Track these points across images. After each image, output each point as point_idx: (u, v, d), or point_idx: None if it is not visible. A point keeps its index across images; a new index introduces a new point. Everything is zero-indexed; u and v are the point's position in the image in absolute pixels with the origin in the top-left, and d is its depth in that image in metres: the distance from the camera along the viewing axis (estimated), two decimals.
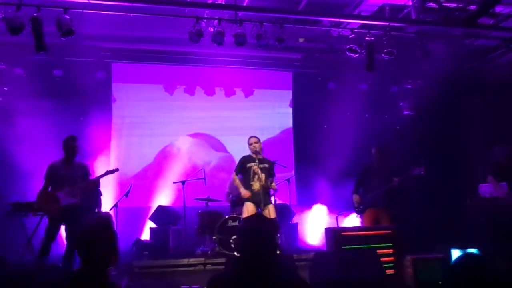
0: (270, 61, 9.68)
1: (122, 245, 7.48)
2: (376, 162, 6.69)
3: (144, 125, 9.47)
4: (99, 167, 8.45)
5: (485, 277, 2.14)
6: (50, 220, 6.05)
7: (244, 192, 6.50)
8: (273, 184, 6.71)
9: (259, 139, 6.69)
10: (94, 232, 2.51)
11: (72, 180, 6.14)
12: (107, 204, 7.49)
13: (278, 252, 6.16)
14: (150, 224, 8.34)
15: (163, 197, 8.95)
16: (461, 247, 5.36)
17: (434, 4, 7.36)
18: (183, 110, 9.67)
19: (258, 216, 2.67)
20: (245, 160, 6.65)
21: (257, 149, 6.55)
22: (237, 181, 6.65)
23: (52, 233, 5.99)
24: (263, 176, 6.47)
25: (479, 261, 2.22)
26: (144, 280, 6.47)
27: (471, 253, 3.77)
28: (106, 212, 7.03)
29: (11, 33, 6.12)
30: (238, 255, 6.50)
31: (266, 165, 6.60)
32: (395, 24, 7.52)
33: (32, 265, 5.58)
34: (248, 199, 6.48)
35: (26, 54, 7.80)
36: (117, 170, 6.73)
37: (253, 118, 9.97)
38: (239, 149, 7.84)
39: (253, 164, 6.51)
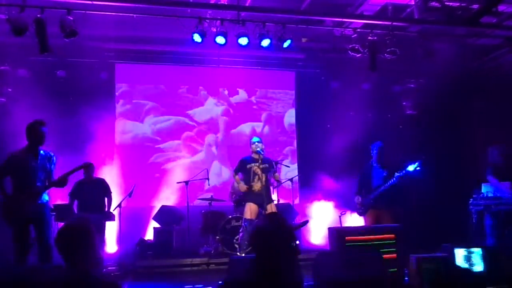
0: (273, 61, 9.70)
1: (126, 245, 7.58)
2: (376, 161, 6.68)
3: (147, 125, 9.50)
4: (104, 167, 8.50)
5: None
6: (15, 226, 5.03)
7: (241, 186, 6.56)
8: (276, 174, 6.72)
9: (261, 139, 6.72)
10: (72, 234, 2.53)
11: (37, 175, 5.14)
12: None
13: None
14: (153, 224, 8.36)
15: (167, 197, 8.96)
16: (465, 246, 5.35)
17: (437, 3, 7.34)
18: (186, 110, 9.70)
19: (277, 215, 2.57)
20: (245, 161, 6.67)
21: (259, 149, 6.57)
22: (237, 178, 6.71)
23: (25, 238, 5.05)
24: (263, 176, 6.48)
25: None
26: (147, 280, 6.49)
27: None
28: (85, 215, 6.95)
29: (15, 34, 6.15)
30: (242, 255, 6.47)
31: (267, 165, 6.62)
32: (398, 24, 7.51)
33: (31, 265, 5.27)
34: (247, 198, 6.53)
35: (30, 55, 7.83)
36: (86, 165, 5.81)
37: (255, 117, 10.02)
38: (242, 150, 7.87)
39: (253, 164, 6.53)
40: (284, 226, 2.37)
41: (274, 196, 6.90)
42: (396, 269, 5.13)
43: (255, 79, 10.07)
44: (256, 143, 6.62)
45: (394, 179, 6.31)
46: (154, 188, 9.08)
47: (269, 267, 2.26)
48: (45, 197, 5.23)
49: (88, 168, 6.86)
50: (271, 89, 10.25)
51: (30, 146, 5.19)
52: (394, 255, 5.21)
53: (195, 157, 9.57)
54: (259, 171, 6.47)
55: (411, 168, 6.24)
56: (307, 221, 8.18)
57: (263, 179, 6.47)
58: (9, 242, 5.93)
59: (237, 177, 6.73)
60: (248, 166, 6.57)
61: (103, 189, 7.44)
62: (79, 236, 2.51)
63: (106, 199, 7.42)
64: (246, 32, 6.89)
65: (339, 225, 7.75)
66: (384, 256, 4.81)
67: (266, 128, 10.04)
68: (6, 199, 5.07)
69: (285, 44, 7.30)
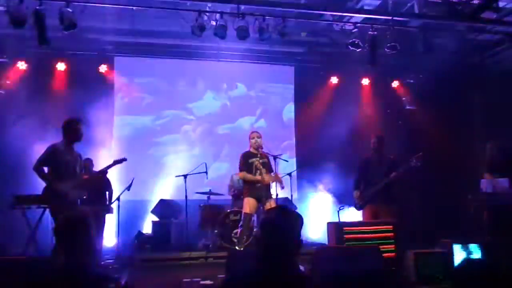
0: (272, 55, 9.67)
1: (124, 238, 7.59)
2: (375, 154, 6.66)
3: (146, 118, 9.48)
4: (101, 160, 8.46)
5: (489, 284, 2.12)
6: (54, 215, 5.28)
7: (264, 177, 6.41)
8: (279, 177, 6.61)
9: (260, 134, 6.69)
10: (71, 225, 2.54)
11: (75, 169, 5.48)
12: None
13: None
14: (152, 217, 8.37)
15: (165, 191, 8.95)
16: (463, 242, 5.36)
17: None
18: (185, 103, 9.67)
19: (281, 208, 2.46)
20: (247, 155, 6.62)
21: (259, 144, 6.55)
22: (248, 176, 6.55)
23: None
24: (264, 171, 6.46)
25: (483, 267, 2.19)
26: (145, 273, 6.49)
27: (475, 259, 3.69)
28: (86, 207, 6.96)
29: (14, 26, 6.12)
30: (240, 249, 6.43)
31: (266, 160, 6.60)
32: (398, 18, 7.49)
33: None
34: (247, 192, 6.50)
35: (29, 47, 7.81)
36: (125, 159, 6.16)
37: (254, 111, 9.99)
38: (241, 144, 7.83)
39: (254, 159, 6.50)
40: (297, 220, 2.30)
41: (273, 190, 6.87)
42: (394, 262, 5.15)
43: (254, 73, 10.04)
44: (256, 138, 6.59)
45: (391, 178, 6.33)
46: (153, 181, 9.07)
47: (277, 262, 2.19)
48: None
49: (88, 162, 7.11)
50: (270, 83, 10.23)
51: (66, 142, 5.45)
52: (393, 254, 5.23)
53: (194, 150, 9.56)
54: (260, 166, 6.45)
55: (410, 164, 6.24)
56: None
57: (264, 174, 6.46)
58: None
59: (247, 175, 6.51)
60: (250, 160, 6.54)
61: (105, 183, 7.49)
62: (76, 228, 2.53)
63: (107, 193, 7.50)
64: (246, 26, 6.86)
65: (338, 220, 7.76)
66: (383, 251, 4.82)
67: (265, 123, 10.02)
68: (53, 183, 5.29)
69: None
